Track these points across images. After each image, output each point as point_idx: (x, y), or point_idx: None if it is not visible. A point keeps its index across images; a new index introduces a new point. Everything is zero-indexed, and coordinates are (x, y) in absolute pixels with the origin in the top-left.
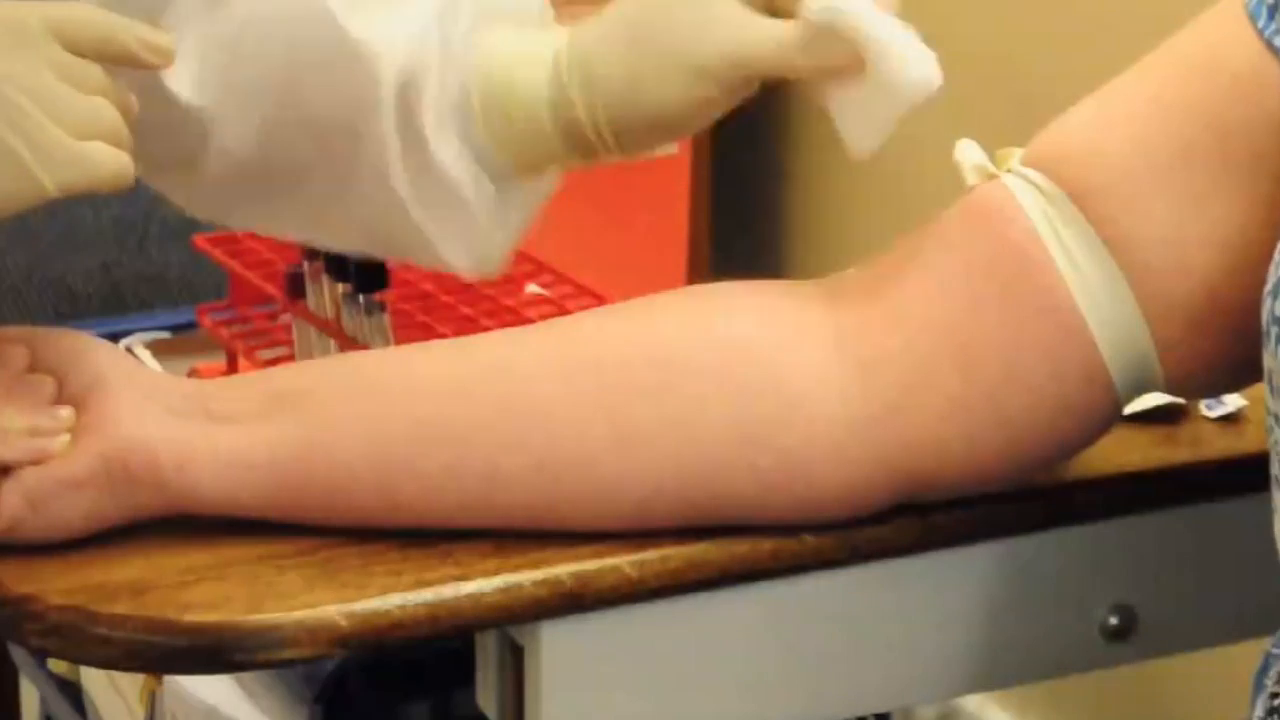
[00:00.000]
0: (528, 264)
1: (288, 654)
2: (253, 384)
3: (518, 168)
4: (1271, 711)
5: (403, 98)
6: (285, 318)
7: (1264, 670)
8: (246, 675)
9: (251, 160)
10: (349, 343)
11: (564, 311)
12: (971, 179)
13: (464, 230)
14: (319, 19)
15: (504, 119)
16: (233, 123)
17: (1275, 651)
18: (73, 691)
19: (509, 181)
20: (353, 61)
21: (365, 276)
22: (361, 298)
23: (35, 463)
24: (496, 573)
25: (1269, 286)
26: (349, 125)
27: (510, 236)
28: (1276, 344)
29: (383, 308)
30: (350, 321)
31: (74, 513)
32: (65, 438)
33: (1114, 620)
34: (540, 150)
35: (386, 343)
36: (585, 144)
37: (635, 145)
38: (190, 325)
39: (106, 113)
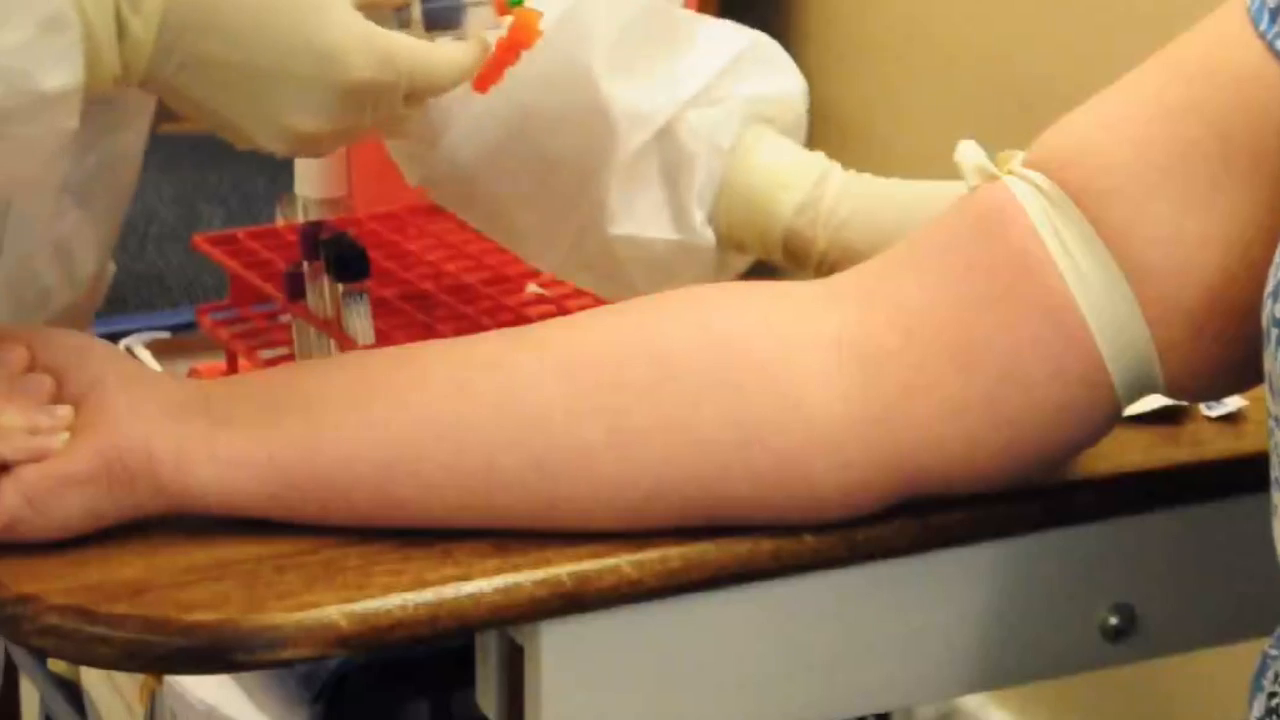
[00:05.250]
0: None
1: (288, 654)
2: (252, 384)
3: (726, 246)
4: (1270, 712)
5: (661, 162)
6: (285, 318)
7: (1261, 671)
8: (246, 675)
9: (471, 170)
10: (349, 343)
11: (564, 311)
12: (972, 180)
13: (659, 280)
14: (579, 80)
15: (744, 224)
16: (467, 139)
17: (1272, 653)
18: (73, 691)
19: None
20: (602, 119)
21: (342, 266)
22: (342, 287)
23: (34, 461)
24: (496, 573)
25: (1269, 289)
26: (580, 168)
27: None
28: (1277, 346)
29: (361, 296)
30: (350, 321)
31: (73, 511)
32: (64, 436)
33: (1114, 620)
34: (756, 252)
35: (367, 328)
36: (804, 263)
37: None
38: (190, 325)
39: None
